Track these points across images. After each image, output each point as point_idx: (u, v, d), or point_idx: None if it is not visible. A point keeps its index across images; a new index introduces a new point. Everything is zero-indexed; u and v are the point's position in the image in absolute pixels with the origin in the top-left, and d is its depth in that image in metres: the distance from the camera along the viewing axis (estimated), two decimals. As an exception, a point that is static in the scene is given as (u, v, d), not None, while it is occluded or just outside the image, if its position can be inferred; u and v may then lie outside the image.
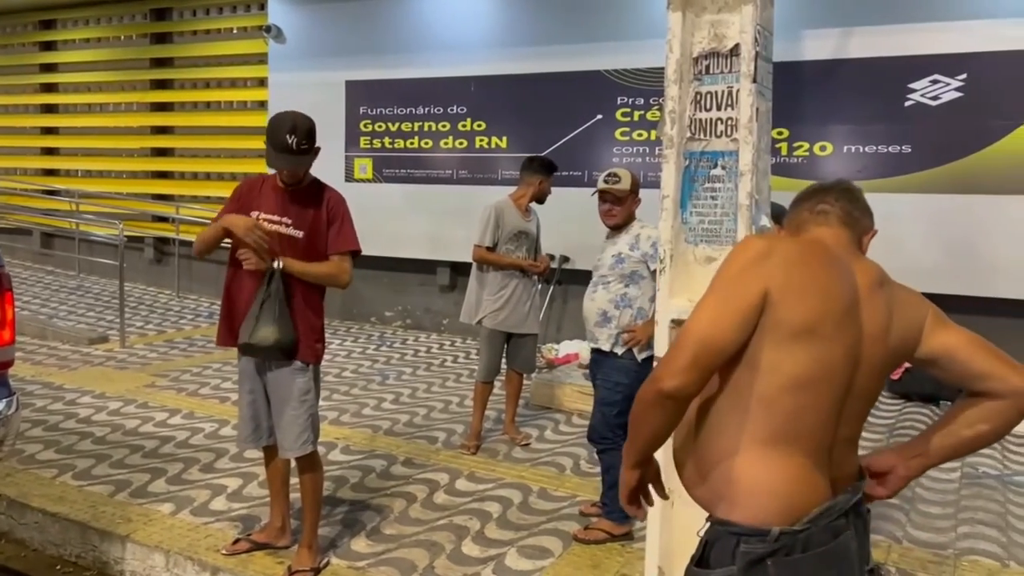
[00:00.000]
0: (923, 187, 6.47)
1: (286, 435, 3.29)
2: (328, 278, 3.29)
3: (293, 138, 3.09)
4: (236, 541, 3.57)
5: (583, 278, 4.04)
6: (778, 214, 2.99)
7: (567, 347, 7.39)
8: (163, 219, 10.75)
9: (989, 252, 6.27)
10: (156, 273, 10.82)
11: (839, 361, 1.64)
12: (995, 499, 4.38)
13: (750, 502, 1.61)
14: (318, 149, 3.24)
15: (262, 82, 9.52)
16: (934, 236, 6.44)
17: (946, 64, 6.35)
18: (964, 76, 6.30)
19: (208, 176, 10.50)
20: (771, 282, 1.61)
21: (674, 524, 2.84)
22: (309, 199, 3.27)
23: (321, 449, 4.80)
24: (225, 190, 10.07)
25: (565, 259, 7.66)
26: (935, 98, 6.42)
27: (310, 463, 3.39)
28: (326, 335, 3.44)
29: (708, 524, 1.70)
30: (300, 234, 3.23)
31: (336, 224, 3.27)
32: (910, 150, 6.52)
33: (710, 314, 1.63)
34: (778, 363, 1.61)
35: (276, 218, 3.24)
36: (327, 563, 3.45)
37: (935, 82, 6.40)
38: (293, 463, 3.45)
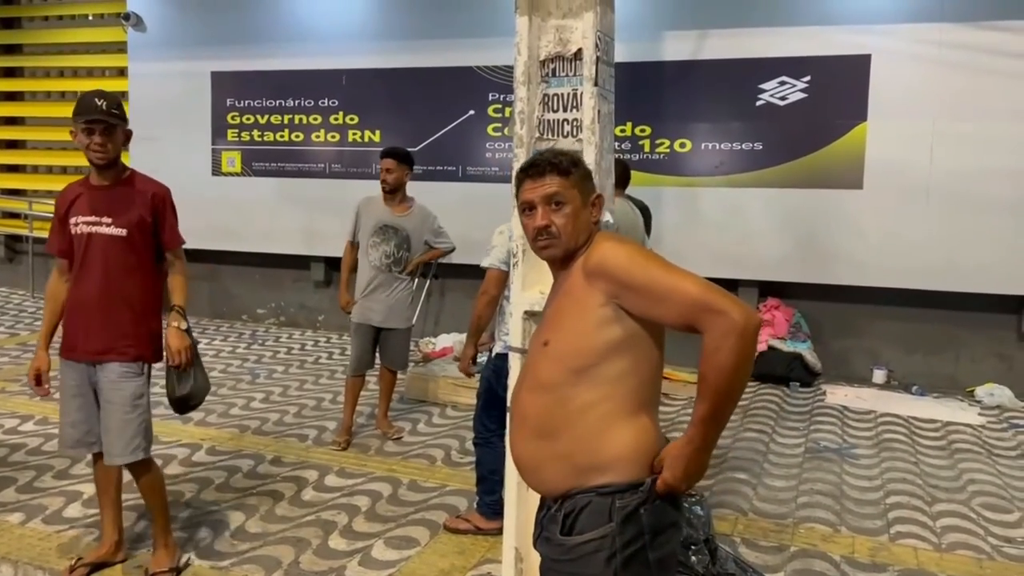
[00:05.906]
0: (773, 182, 6.89)
1: (115, 441, 3.13)
2: (186, 287, 3.33)
3: (102, 101, 3.05)
4: (72, 570, 3.28)
5: (460, 272, 4.10)
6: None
7: (444, 341, 7.47)
8: (14, 215, 10.14)
9: (830, 242, 6.75)
10: (7, 272, 10.21)
11: None
12: (833, 471, 4.75)
13: (624, 464, 1.77)
14: (129, 132, 3.17)
15: (122, 72, 9.10)
16: (783, 228, 6.88)
17: (792, 67, 6.78)
18: (808, 78, 6.75)
19: (64, 170, 9.91)
20: None
21: (531, 505, 2.96)
22: (129, 194, 3.17)
23: (184, 451, 4.74)
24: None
25: (440, 253, 7.72)
26: (783, 98, 6.85)
27: (145, 467, 3.24)
28: (194, 334, 3.36)
29: (564, 499, 1.81)
30: (123, 232, 3.13)
31: (168, 220, 3.23)
32: (762, 147, 6.93)
33: (687, 272, 1.74)
34: (656, 350, 1.81)
35: (94, 219, 3.14)
36: (188, 562, 3.40)
37: (783, 83, 6.83)
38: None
